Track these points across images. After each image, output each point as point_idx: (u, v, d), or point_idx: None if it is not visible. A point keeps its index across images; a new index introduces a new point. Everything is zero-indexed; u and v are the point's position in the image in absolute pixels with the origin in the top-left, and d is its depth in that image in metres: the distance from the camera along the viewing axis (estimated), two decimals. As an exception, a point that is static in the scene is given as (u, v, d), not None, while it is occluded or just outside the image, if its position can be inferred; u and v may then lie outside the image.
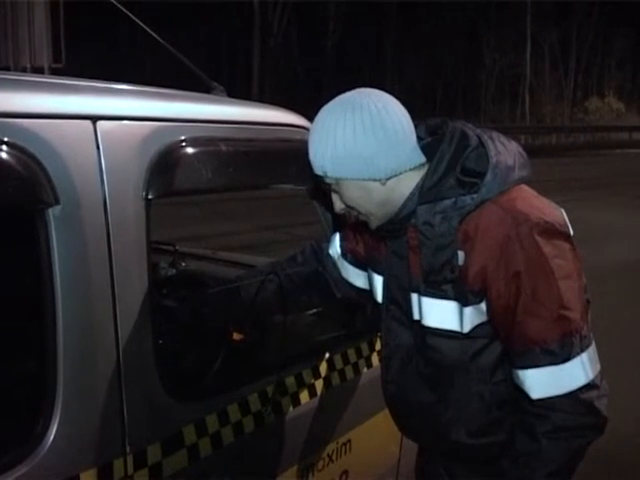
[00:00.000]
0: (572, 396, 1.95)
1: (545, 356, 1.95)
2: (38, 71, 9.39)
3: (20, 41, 9.83)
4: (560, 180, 19.50)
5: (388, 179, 2.03)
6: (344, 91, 2.07)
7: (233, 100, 2.67)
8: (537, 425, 1.98)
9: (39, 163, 1.76)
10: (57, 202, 1.79)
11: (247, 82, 36.05)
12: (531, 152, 2.15)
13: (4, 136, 1.72)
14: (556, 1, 47.31)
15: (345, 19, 41.80)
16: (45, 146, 1.79)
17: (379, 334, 2.79)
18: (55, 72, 9.15)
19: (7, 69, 9.20)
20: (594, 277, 2.08)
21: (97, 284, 1.90)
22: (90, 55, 22.13)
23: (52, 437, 1.80)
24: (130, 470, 1.98)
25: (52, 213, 1.79)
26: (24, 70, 9.36)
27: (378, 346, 2.96)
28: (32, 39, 9.80)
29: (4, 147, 1.71)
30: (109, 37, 28.62)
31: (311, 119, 2.13)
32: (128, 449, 1.98)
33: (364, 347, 2.94)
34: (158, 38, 2.87)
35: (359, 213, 2.13)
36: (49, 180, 1.78)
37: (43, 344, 1.83)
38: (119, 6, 2.91)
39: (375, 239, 2.33)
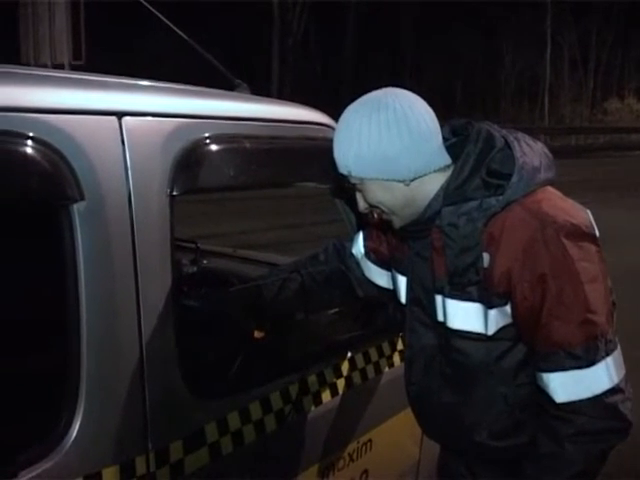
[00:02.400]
0: (596, 400, 1.93)
1: (570, 360, 1.93)
2: (58, 68, 9.41)
3: (40, 38, 9.87)
4: (579, 181, 19.35)
5: (412, 180, 2.02)
6: (363, 92, 2.06)
7: (257, 97, 2.66)
8: (561, 428, 1.96)
9: (64, 159, 1.76)
10: (82, 198, 1.79)
11: (266, 82, 36.01)
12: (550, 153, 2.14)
13: (30, 131, 1.72)
14: (576, 1, 47.06)
15: (364, 19, 41.71)
16: (70, 142, 1.79)
17: (401, 334, 2.79)
18: (75, 69, 9.17)
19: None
20: (612, 279, 2.06)
21: (121, 280, 1.89)
22: (109, 52, 22.15)
23: (74, 434, 1.80)
24: (152, 467, 1.98)
25: (77, 209, 1.79)
26: (44, 67, 9.38)
27: (399, 345, 2.95)
28: (52, 36, 9.84)
29: (30, 142, 1.71)
30: (129, 34, 28.62)
31: (330, 118, 2.12)
32: (150, 446, 1.97)
33: (385, 346, 2.93)
34: (183, 35, 2.87)
35: (382, 212, 2.12)
36: (74, 176, 1.78)
37: (66, 341, 1.83)
38: (145, 4, 2.90)
39: (399, 239, 2.31)
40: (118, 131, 1.91)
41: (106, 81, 2.12)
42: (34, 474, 1.72)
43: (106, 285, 1.86)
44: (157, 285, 2.00)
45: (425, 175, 2.02)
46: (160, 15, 2.91)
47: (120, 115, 1.93)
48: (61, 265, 1.81)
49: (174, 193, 2.02)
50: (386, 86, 2.09)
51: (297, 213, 12.89)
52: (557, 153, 2.24)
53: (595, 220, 2.04)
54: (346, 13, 41.20)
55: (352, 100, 2.06)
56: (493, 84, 50.05)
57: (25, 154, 1.71)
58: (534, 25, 47.39)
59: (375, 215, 2.17)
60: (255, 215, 13.11)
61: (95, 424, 1.85)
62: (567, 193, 2.09)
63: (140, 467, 1.95)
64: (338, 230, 2.90)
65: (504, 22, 48.05)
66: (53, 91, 1.86)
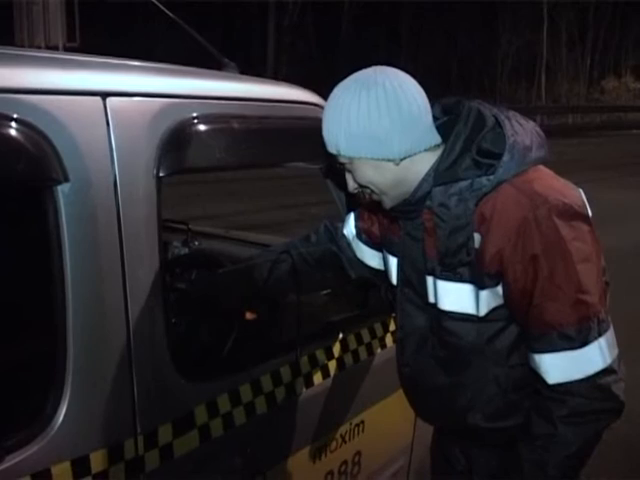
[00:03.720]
0: (589, 381, 1.92)
1: (562, 340, 1.92)
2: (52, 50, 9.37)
3: (34, 20, 9.83)
4: (575, 160, 19.35)
5: (402, 159, 1.99)
6: (359, 70, 2.04)
7: (245, 77, 2.63)
8: (554, 409, 1.96)
9: (48, 140, 1.74)
10: (66, 179, 1.77)
11: (262, 62, 35.92)
12: (547, 132, 2.12)
13: (13, 112, 1.70)
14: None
15: (360, -1, 41.53)
16: (54, 122, 1.76)
17: (393, 315, 2.77)
18: (69, 51, 9.13)
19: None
20: (608, 259, 2.05)
21: (107, 262, 1.87)
22: (103, 33, 22.09)
23: (62, 417, 1.79)
24: (141, 450, 1.97)
25: (61, 190, 1.77)
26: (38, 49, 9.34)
27: (392, 327, 2.93)
28: (46, 18, 9.80)
29: (13, 123, 1.69)
30: (121, 14, 28.48)
31: (326, 99, 2.10)
32: (139, 429, 1.96)
33: (378, 327, 2.91)
34: (171, 15, 2.84)
35: (372, 193, 2.10)
36: (58, 157, 1.76)
37: (52, 323, 1.81)
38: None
39: (390, 220, 2.29)
40: (103, 112, 1.89)
41: (90, 61, 2.09)
42: (20, 458, 1.71)
43: (92, 268, 1.84)
44: (144, 267, 1.98)
45: (415, 154, 2.00)
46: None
47: (104, 95, 1.90)
48: (46, 248, 1.79)
49: (161, 174, 2.00)
50: (383, 65, 2.06)
51: (290, 194, 12.88)
52: (554, 132, 2.22)
53: (593, 200, 2.03)
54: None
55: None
56: (490, 63, 49.81)
57: (8, 135, 1.68)
58: (531, 3, 47.12)
59: (365, 195, 2.15)
60: (248, 196, 13.09)
61: (82, 408, 1.84)
62: (565, 172, 2.07)
63: (129, 450, 1.94)
64: (332, 211, 2.88)
65: (501, 1, 47.77)
66: (36, 71, 1.84)
